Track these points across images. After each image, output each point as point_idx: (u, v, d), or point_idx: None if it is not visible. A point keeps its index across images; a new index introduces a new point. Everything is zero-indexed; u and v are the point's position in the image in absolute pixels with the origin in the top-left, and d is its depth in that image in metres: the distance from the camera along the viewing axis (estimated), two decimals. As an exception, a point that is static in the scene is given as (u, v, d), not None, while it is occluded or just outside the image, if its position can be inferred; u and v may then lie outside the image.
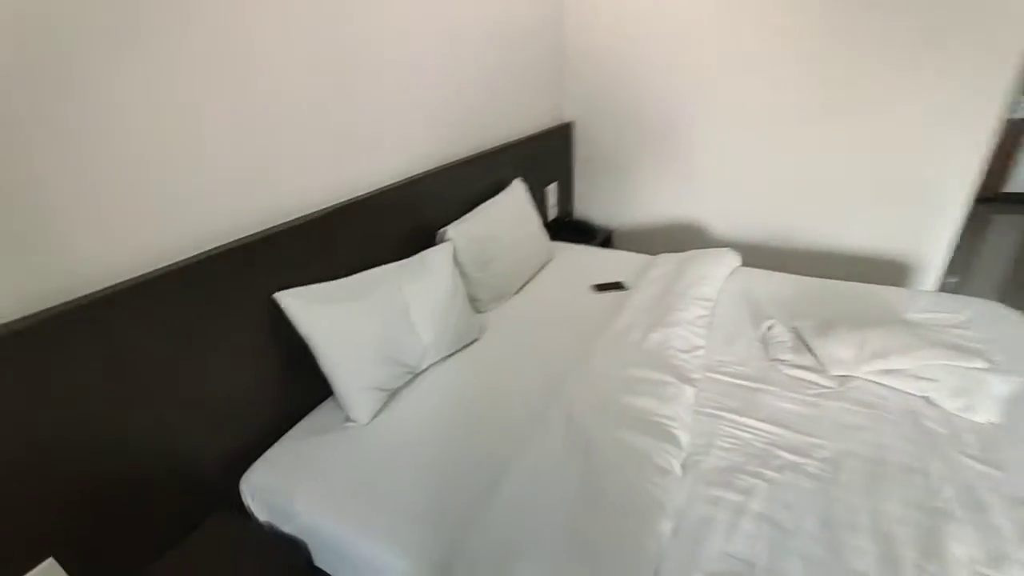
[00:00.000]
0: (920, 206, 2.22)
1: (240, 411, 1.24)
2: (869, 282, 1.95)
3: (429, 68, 1.74)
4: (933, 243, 2.27)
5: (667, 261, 2.06)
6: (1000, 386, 1.29)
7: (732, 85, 2.36)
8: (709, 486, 1.10)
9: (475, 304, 1.78)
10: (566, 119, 2.76)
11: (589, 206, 2.96)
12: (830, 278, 1.97)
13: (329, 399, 1.42)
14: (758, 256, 2.33)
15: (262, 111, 1.21)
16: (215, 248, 1.14)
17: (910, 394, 1.32)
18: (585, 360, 1.48)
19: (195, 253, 1.10)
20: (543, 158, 2.55)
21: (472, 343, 1.65)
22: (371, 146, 1.56)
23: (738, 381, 1.43)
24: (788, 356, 1.48)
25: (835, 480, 1.09)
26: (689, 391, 1.34)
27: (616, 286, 1.99)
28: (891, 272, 2.38)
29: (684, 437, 1.20)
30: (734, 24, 2.25)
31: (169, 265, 1.05)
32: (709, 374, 1.46)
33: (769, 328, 1.62)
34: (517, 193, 2.08)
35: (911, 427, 1.22)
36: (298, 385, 1.37)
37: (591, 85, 2.66)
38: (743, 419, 1.29)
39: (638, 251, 2.36)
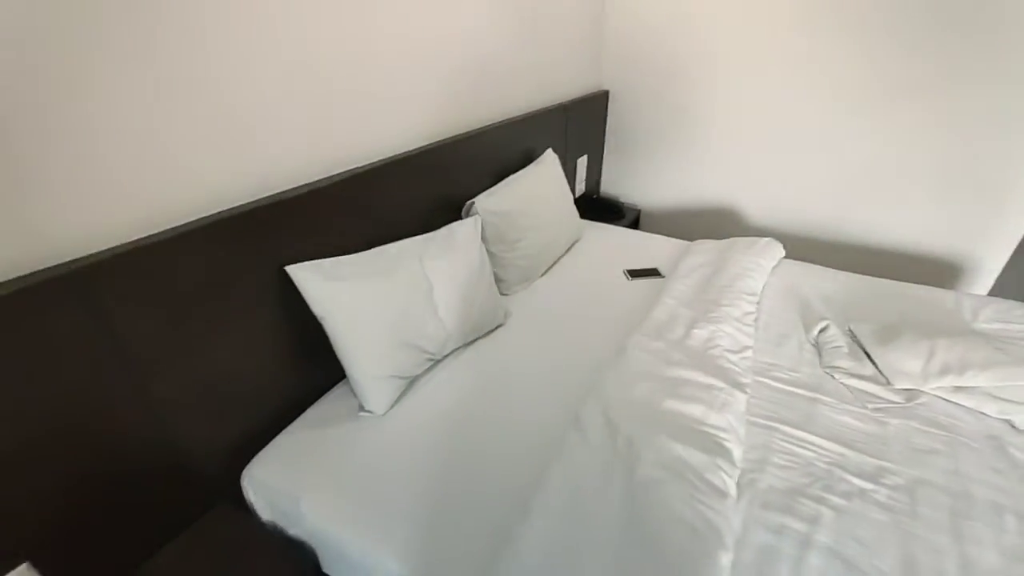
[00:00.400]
0: (985, 204, 2.05)
1: (244, 395, 1.11)
2: (915, 281, 1.80)
3: (458, 23, 1.54)
4: (993, 245, 2.10)
5: (705, 248, 1.91)
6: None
7: (783, 62, 2.15)
8: (767, 510, 0.98)
9: (500, 286, 1.64)
10: (602, 87, 2.55)
11: (617, 183, 2.78)
12: (873, 274, 1.84)
13: (340, 384, 1.30)
14: (797, 247, 2.17)
15: (274, 60, 1.03)
16: (219, 213, 0.98)
17: (988, 416, 1.19)
18: (621, 355, 1.35)
19: (196, 218, 0.95)
20: (575, 128, 2.35)
21: (496, 329, 1.52)
22: (394, 107, 1.38)
23: (791, 388, 1.30)
24: (845, 363, 1.35)
25: (913, 513, 0.97)
26: (741, 398, 1.20)
27: (651, 272, 1.84)
28: (939, 272, 2.23)
29: (737, 452, 1.08)
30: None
31: (167, 230, 0.90)
32: (759, 379, 1.32)
33: (822, 330, 1.47)
34: (550, 165, 1.91)
35: (995, 456, 1.09)
36: (308, 368, 1.24)
37: (630, 52, 2.44)
38: (799, 433, 1.16)
39: (668, 234, 2.21)
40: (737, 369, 1.30)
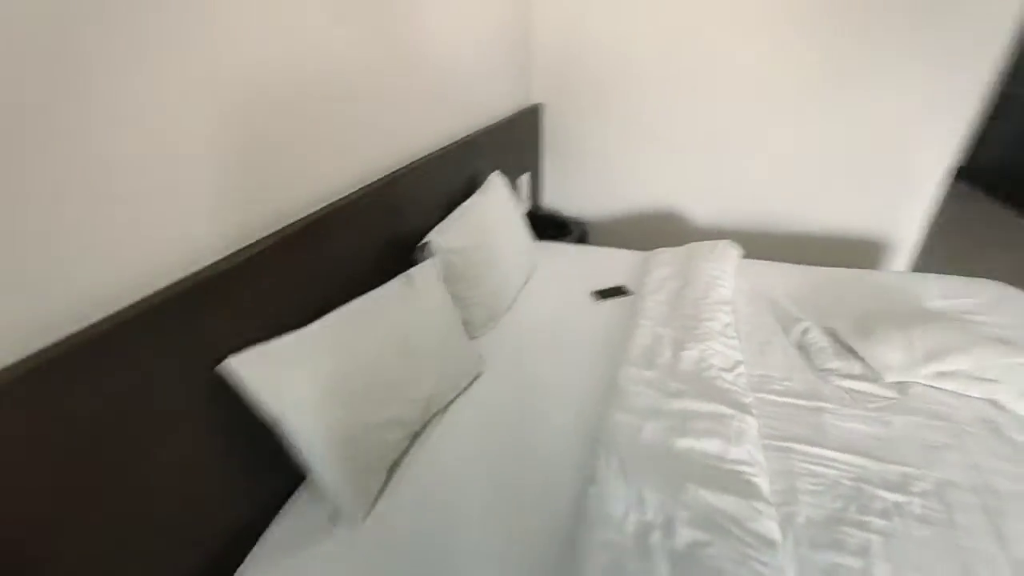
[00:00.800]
0: (897, 185, 2.19)
1: (182, 533, 0.86)
2: (848, 264, 1.89)
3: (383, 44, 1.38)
4: (908, 222, 2.26)
5: (666, 259, 1.87)
6: (1052, 378, 1.21)
7: (709, 68, 2.19)
8: (816, 550, 0.91)
9: (467, 329, 1.47)
10: (534, 101, 2.47)
11: (560, 197, 2.71)
12: (810, 261, 1.90)
13: (300, 490, 1.06)
14: (743, 243, 2.19)
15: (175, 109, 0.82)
16: (118, 313, 0.75)
17: (974, 398, 1.22)
18: (616, 391, 1.24)
19: (88, 323, 0.71)
20: (514, 146, 2.25)
21: (475, 380, 1.35)
22: (322, 150, 1.19)
23: (792, 400, 1.26)
24: (835, 364, 1.34)
25: (952, 523, 0.93)
26: (752, 423, 1.14)
27: (619, 291, 1.77)
28: (868, 252, 2.36)
29: (766, 486, 1.00)
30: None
31: (57, 342, 0.66)
32: (758, 395, 1.27)
33: (804, 332, 1.46)
34: (498, 189, 1.78)
35: (996, 441, 1.10)
36: (262, 479, 1.01)
37: (560, 65, 2.38)
38: (815, 450, 1.11)
39: (618, 245, 2.17)
40: (737, 389, 1.23)
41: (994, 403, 1.20)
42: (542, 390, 1.34)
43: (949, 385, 1.25)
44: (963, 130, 2.02)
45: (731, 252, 1.84)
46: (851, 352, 1.36)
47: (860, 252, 2.37)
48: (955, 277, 1.73)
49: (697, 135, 2.34)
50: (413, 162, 1.51)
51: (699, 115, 2.30)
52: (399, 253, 1.40)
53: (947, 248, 3.08)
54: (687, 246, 1.92)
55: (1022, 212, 3.64)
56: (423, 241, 1.41)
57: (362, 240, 1.29)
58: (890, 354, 1.30)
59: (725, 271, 1.72)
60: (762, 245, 2.37)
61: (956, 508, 0.96)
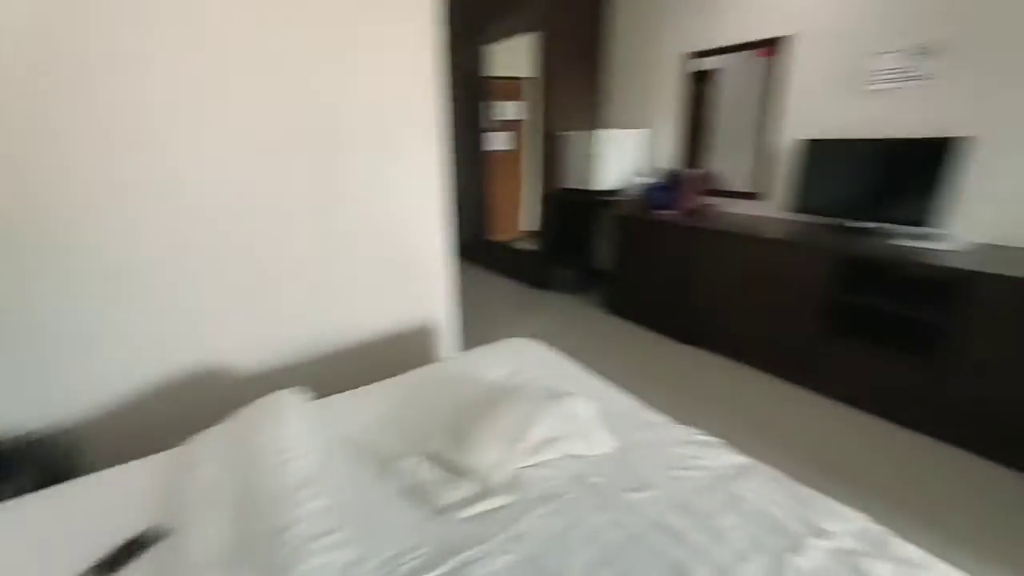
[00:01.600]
0: (418, 271, 2.40)
1: None
2: (415, 358, 1.92)
3: None
4: (436, 305, 2.52)
5: (207, 449, 1.30)
6: (589, 411, 1.43)
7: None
8: None
9: None
10: None
11: (9, 411, 1.61)
12: (381, 371, 1.82)
13: None
14: (303, 381, 1.85)
15: None
16: None
17: (557, 460, 1.28)
18: None
19: None
20: None
21: None
22: None
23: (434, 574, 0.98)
24: (450, 496, 1.17)
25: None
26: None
27: (138, 544, 1.07)
28: (426, 341, 2.49)
29: None
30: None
31: None
32: (393, 596, 0.93)
33: (408, 472, 1.24)
34: None
35: (591, 495, 1.17)
36: None
37: None
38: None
39: (132, 452, 1.43)
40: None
41: (575, 457, 1.30)
42: None
43: (539, 458, 1.28)
44: (439, 211, 2.40)
45: (291, 402, 1.45)
46: (457, 471, 1.23)
47: (420, 343, 2.47)
48: (494, 343, 1.95)
49: (203, 273, 1.88)
50: None
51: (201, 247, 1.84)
52: None
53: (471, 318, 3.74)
54: (232, 418, 1.41)
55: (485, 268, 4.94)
56: None
57: None
58: (485, 455, 1.24)
59: (290, 433, 1.31)
60: (329, 372, 2.13)
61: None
